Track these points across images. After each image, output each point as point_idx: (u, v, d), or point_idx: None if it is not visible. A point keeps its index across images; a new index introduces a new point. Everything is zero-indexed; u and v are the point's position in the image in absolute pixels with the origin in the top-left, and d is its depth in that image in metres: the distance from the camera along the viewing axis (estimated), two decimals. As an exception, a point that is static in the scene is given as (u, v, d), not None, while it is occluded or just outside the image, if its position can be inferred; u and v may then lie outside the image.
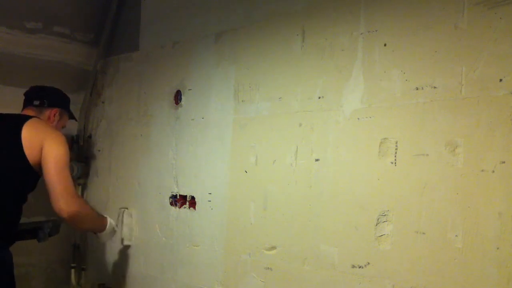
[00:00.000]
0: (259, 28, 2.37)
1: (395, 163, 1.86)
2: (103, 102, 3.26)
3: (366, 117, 1.95)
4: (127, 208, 2.95)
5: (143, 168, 2.92)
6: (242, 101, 2.41)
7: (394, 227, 1.85)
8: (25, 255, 3.00)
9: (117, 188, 3.09)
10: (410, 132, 1.82)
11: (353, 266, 1.95)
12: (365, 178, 1.93)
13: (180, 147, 2.70)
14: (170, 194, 2.74)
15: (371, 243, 1.90)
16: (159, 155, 2.82)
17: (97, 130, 3.28)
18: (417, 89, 1.81)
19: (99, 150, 3.25)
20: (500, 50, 1.63)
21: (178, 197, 2.70)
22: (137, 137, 2.97)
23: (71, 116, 2.76)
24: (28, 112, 2.51)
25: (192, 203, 2.61)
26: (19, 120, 2.36)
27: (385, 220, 1.87)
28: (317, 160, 2.09)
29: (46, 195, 2.30)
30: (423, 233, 1.77)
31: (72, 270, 3.28)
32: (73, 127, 3.30)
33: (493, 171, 1.62)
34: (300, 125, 2.16)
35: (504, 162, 1.60)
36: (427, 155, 1.77)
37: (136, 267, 2.91)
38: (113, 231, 2.67)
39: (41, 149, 2.28)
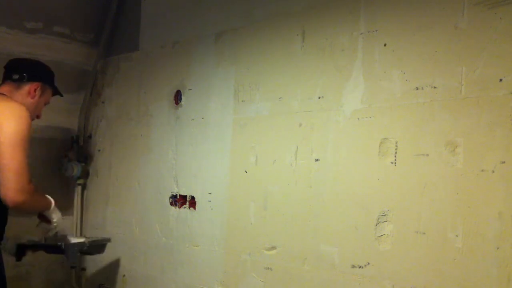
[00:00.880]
0: (259, 28, 2.37)
1: (395, 163, 1.86)
2: (103, 102, 3.26)
3: (366, 117, 1.95)
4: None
5: (143, 168, 2.92)
6: (242, 101, 2.41)
7: (394, 227, 1.84)
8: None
9: (117, 188, 3.09)
10: (410, 132, 1.82)
11: (353, 266, 1.95)
12: (365, 178, 1.93)
13: (180, 147, 2.70)
14: (170, 194, 2.74)
15: (371, 243, 1.90)
16: (159, 155, 2.82)
17: (97, 130, 3.28)
18: (417, 89, 1.81)
19: (99, 150, 3.25)
20: (500, 50, 1.63)
21: (178, 197, 2.70)
22: (137, 137, 2.97)
23: (56, 92, 2.40)
24: (5, 87, 2.22)
25: (192, 203, 2.61)
26: None
27: (385, 220, 1.87)
28: (317, 160, 2.09)
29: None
30: (423, 233, 1.76)
31: (72, 270, 3.28)
32: (73, 127, 3.30)
33: (493, 171, 1.62)
34: (300, 125, 2.16)
35: (504, 162, 1.60)
36: (427, 155, 1.77)
37: (136, 267, 2.91)
38: (58, 211, 2.37)
39: None
